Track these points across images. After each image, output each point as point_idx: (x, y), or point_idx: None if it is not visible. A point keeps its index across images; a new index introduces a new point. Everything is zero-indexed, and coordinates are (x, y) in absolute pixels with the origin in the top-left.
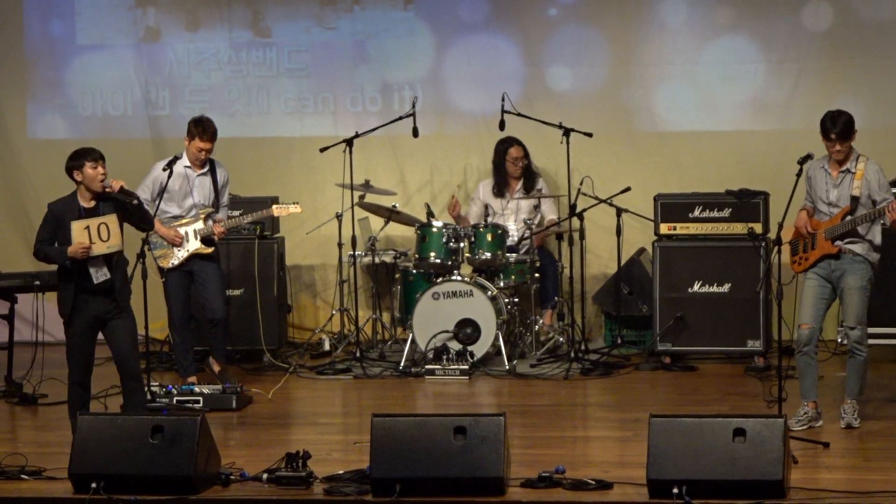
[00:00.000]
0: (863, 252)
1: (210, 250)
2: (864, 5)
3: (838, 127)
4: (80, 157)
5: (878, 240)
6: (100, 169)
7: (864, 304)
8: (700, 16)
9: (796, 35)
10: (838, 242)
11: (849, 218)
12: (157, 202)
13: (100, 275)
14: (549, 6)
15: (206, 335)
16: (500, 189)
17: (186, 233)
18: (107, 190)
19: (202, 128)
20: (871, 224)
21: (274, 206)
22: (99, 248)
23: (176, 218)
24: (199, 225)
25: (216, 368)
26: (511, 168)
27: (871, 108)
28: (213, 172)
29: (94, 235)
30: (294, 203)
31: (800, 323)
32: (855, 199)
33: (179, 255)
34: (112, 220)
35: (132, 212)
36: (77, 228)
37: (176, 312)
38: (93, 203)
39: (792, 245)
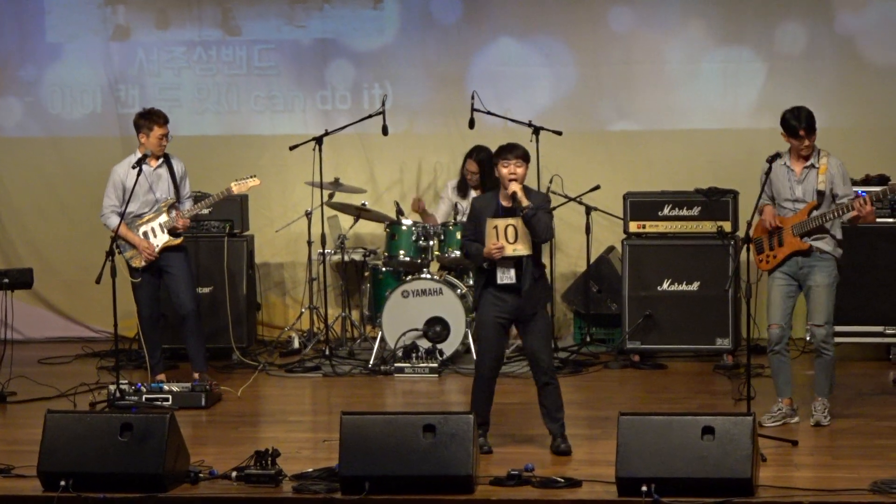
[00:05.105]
0: (829, 249)
1: (179, 241)
2: (833, 8)
3: (804, 122)
4: (496, 155)
5: (839, 235)
6: (511, 168)
7: (832, 301)
8: (668, 16)
9: (765, 35)
10: (807, 239)
11: (816, 213)
12: (124, 205)
13: (505, 277)
14: (522, 6)
15: (181, 335)
16: (464, 192)
17: (153, 228)
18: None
19: (157, 115)
20: (833, 219)
21: (233, 184)
22: (506, 250)
23: (140, 216)
24: (164, 217)
25: (196, 377)
26: (468, 178)
27: (839, 108)
28: (168, 164)
29: (500, 236)
30: (252, 176)
31: (770, 323)
32: (821, 194)
33: None
34: (521, 222)
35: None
36: (488, 227)
37: (145, 310)
38: (510, 203)
39: (756, 243)
